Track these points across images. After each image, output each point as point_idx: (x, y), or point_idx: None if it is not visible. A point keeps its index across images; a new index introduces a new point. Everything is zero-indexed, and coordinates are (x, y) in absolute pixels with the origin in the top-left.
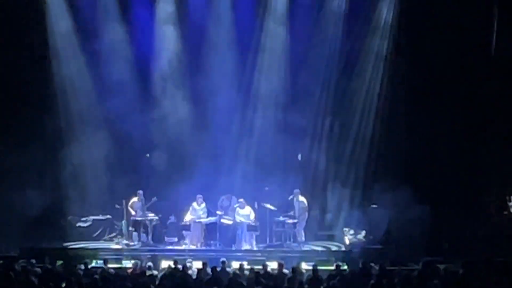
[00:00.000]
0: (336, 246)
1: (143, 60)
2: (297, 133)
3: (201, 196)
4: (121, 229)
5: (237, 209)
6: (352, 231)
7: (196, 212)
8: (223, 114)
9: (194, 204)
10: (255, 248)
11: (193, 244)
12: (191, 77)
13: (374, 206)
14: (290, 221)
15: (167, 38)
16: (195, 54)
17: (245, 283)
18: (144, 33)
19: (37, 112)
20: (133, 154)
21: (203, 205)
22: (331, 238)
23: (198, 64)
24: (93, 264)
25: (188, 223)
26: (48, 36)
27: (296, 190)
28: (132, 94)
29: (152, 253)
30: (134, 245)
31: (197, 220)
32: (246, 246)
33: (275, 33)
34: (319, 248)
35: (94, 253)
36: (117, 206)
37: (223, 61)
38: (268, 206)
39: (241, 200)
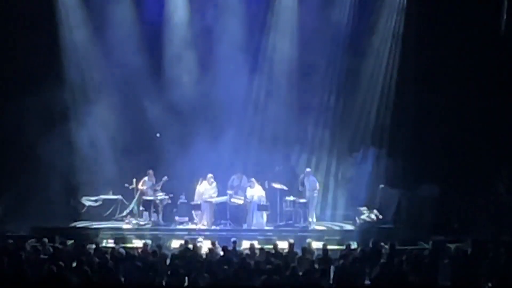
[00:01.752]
0: (347, 225)
1: (153, 30)
2: (309, 111)
3: (212, 175)
4: (132, 209)
5: (248, 188)
6: (365, 211)
7: (207, 192)
8: (234, 92)
9: (205, 183)
10: (265, 228)
11: (203, 224)
12: (201, 52)
13: (381, 186)
14: (301, 200)
15: (177, 8)
16: (205, 29)
17: (255, 263)
18: (153, 2)
19: (48, 89)
20: (143, 134)
21: (214, 184)
22: (343, 217)
23: (209, 39)
24: (104, 244)
25: (199, 202)
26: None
27: (308, 169)
28: (141, 69)
29: (162, 233)
30: (144, 225)
31: (208, 200)
32: (256, 226)
33: (287, 5)
34: (330, 228)
35: (105, 233)
36: (127, 185)
37: (233, 41)
38: (279, 185)
39: (252, 179)
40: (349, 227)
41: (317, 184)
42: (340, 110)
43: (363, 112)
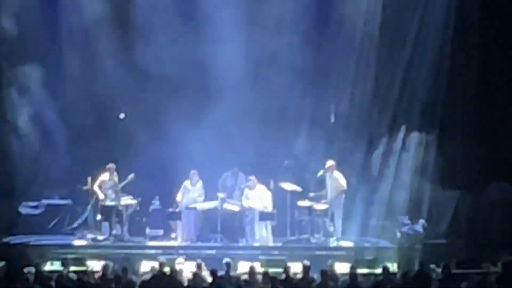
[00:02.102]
0: (384, 241)
1: None
2: (329, 82)
3: (196, 172)
4: (86, 218)
5: (246, 190)
6: (408, 220)
7: (189, 194)
8: (227, 54)
9: (187, 183)
10: (271, 244)
11: (185, 239)
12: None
13: (431, 186)
14: (320, 206)
15: None
16: None
17: None
18: None
19: None
20: (102, 114)
21: (200, 184)
22: (378, 230)
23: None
24: (48, 267)
25: (178, 210)
26: None
27: (330, 163)
28: (102, 22)
29: (129, 251)
30: (103, 240)
31: (191, 206)
32: (258, 242)
33: None
34: (359, 244)
35: (49, 252)
36: (80, 186)
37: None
38: (289, 185)
39: (252, 177)
40: (385, 243)
41: (343, 183)
42: (373, 81)
43: (406, 84)
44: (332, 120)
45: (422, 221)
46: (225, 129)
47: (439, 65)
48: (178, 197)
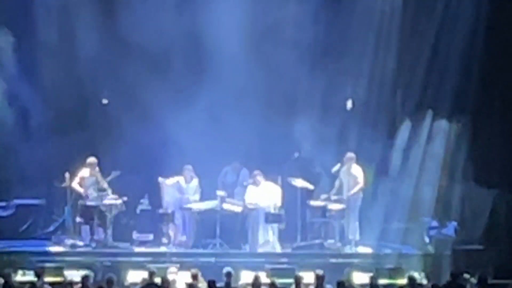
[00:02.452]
0: (409, 247)
1: None
2: (345, 59)
3: (190, 167)
4: (63, 221)
5: (250, 187)
6: (434, 223)
7: (183, 193)
8: (226, 26)
9: (181, 179)
10: (278, 251)
11: (178, 244)
12: None
13: (472, 183)
14: (336, 206)
15: None
16: None
17: None
18: None
19: None
20: (81, 97)
21: (195, 182)
22: (402, 234)
23: None
24: (19, 277)
25: (170, 211)
26: None
27: (349, 156)
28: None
29: (113, 259)
30: (84, 246)
31: (186, 206)
32: (264, 247)
33: None
34: (381, 251)
35: (21, 259)
36: (56, 183)
37: None
38: (300, 182)
39: (257, 172)
40: (410, 249)
41: (361, 180)
42: (395, 60)
43: (433, 63)
44: (349, 106)
45: (453, 223)
46: (224, 116)
47: (473, 40)
48: (167, 196)
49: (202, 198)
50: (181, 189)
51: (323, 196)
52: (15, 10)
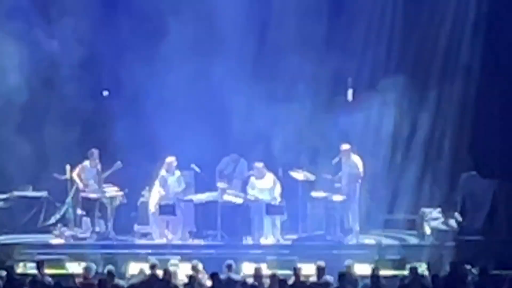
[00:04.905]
0: (411, 238)
1: None
2: (346, 53)
3: (173, 159)
4: (64, 213)
5: (251, 179)
6: (437, 214)
7: (167, 185)
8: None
9: (162, 171)
10: (280, 242)
11: (179, 236)
12: None
13: (473, 173)
14: (338, 197)
15: None
16: None
17: None
18: None
19: None
20: (82, 92)
21: (177, 173)
22: (404, 225)
23: None
24: (21, 270)
25: (170, 203)
26: None
27: (345, 147)
28: None
29: (114, 251)
30: (85, 238)
31: (186, 198)
32: (265, 239)
33: None
34: (383, 241)
35: (22, 252)
36: (57, 175)
37: None
38: (301, 174)
39: (260, 164)
40: (413, 240)
41: (361, 169)
42: (399, 48)
43: (437, 49)
44: (350, 97)
45: (456, 214)
46: (224, 111)
47: (476, 26)
48: (153, 195)
49: (202, 189)
50: (164, 181)
51: (327, 176)
52: None
